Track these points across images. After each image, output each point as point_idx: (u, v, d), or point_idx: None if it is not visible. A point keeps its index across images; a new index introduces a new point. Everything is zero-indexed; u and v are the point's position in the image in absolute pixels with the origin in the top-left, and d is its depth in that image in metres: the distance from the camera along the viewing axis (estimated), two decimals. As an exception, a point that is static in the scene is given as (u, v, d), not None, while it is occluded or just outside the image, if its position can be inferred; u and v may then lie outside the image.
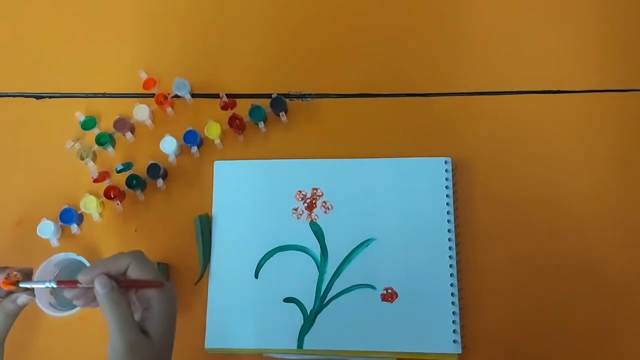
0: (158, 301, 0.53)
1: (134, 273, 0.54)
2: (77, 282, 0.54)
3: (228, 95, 0.82)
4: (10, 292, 0.56)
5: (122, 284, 0.54)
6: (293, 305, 0.75)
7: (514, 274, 0.76)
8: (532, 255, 0.76)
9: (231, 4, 0.87)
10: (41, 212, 0.79)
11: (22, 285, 0.55)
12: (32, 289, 0.57)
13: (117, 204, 0.80)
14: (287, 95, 0.83)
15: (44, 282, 0.55)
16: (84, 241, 0.80)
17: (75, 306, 0.69)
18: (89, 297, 0.55)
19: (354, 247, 0.77)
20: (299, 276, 0.76)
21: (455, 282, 0.75)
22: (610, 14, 0.85)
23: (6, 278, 0.55)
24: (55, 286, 0.54)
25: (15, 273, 0.55)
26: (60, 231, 0.80)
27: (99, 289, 0.52)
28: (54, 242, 0.79)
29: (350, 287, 0.76)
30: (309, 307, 0.75)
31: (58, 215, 0.79)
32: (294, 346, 0.74)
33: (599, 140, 0.81)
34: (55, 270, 0.76)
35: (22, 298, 0.56)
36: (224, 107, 0.81)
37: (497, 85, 0.83)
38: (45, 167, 0.82)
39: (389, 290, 0.75)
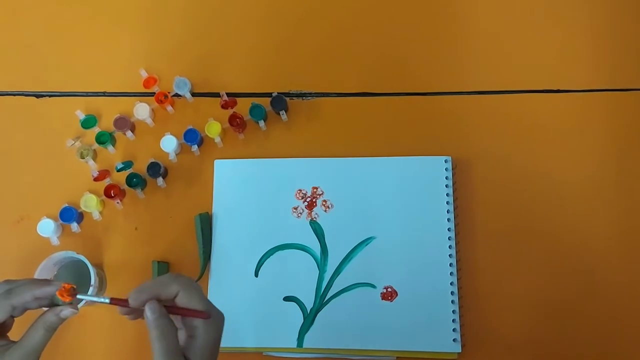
0: (204, 331, 0.53)
1: (182, 301, 0.54)
2: (127, 301, 0.54)
3: (228, 94, 0.82)
4: (52, 305, 0.56)
5: (169, 310, 0.54)
6: (293, 304, 0.76)
7: (513, 273, 0.76)
8: (532, 253, 0.77)
9: (231, 2, 0.87)
10: (41, 211, 0.79)
11: (79, 297, 0.55)
12: (75, 303, 0.57)
13: (118, 202, 0.80)
14: (287, 94, 0.83)
15: (99, 297, 0.55)
16: (84, 240, 0.80)
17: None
18: (139, 313, 0.55)
19: (354, 245, 0.77)
20: (299, 275, 0.76)
21: (455, 281, 0.75)
22: (609, 16, 0.85)
23: (64, 290, 0.55)
24: (109, 302, 0.55)
25: (71, 286, 0.55)
26: (61, 229, 0.80)
27: (149, 314, 0.53)
28: (54, 241, 0.79)
29: (350, 285, 0.76)
30: (309, 305, 0.75)
31: (58, 213, 0.79)
32: (294, 345, 0.74)
33: (599, 139, 0.81)
34: (55, 269, 0.76)
35: (65, 311, 0.55)
36: (225, 106, 0.81)
37: (497, 84, 0.83)
38: (45, 165, 0.82)
39: (389, 289, 0.75)
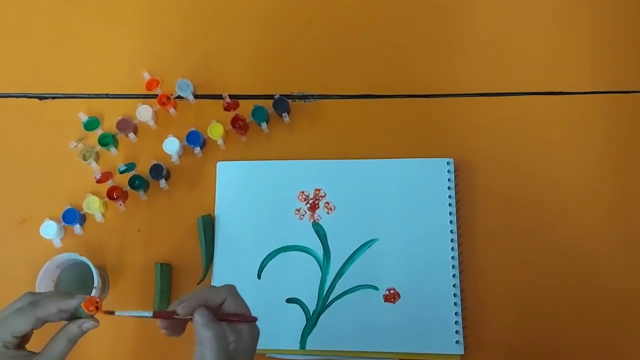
0: (248, 334, 0.56)
1: (229, 307, 0.56)
2: (172, 313, 0.55)
3: (231, 96, 0.82)
4: (76, 317, 0.57)
5: (217, 317, 0.55)
6: (296, 306, 0.76)
7: (516, 275, 0.76)
8: (534, 255, 0.77)
9: (234, 4, 0.88)
10: (44, 213, 0.79)
11: (118, 314, 0.56)
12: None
13: (120, 204, 0.80)
14: (289, 96, 0.83)
15: (142, 312, 0.56)
16: (86, 241, 0.80)
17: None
18: (178, 328, 0.57)
19: (357, 247, 0.77)
20: (301, 277, 0.76)
21: (458, 283, 0.75)
22: (610, 18, 0.85)
23: (97, 307, 0.56)
24: (151, 316, 0.56)
25: (96, 299, 0.56)
26: (63, 231, 0.80)
27: (199, 319, 0.54)
28: (57, 243, 0.79)
29: (353, 287, 0.76)
30: (311, 307, 0.75)
31: (61, 215, 0.79)
32: (297, 347, 0.74)
33: (600, 141, 0.81)
34: (57, 271, 0.76)
35: (87, 324, 0.56)
36: (227, 108, 0.81)
37: (499, 86, 0.83)
38: (48, 167, 0.82)
39: (392, 291, 0.75)
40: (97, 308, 0.56)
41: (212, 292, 0.56)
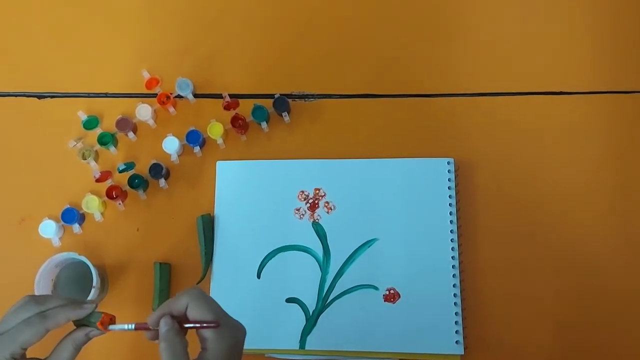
0: (213, 342, 0.54)
1: (192, 313, 0.55)
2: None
3: (231, 95, 0.82)
4: (82, 325, 0.57)
5: (183, 324, 0.55)
6: (295, 306, 0.75)
7: (516, 275, 0.76)
8: (535, 255, 0.77)
9: (234, 3, 0.88)
10: (43, 212, 0.79)
11: (110, 328, 0.57)
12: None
13: (119, 203, 0.80)
14: (289, 96, 0.83)
15: (126, 325, 0.57)
16: (85, 241, 0.80)
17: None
18: None
19: (357, 247, 0.77)
20: (301, 276, 0.76)
21: (458, 283, 0.75)
22: (610, 18, 0.85)
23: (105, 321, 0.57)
24: (134, 329, 0.56)
25: (111, 316, 0.57)
26: (62, 231, 0.79)
27: (161, 328, 0.54)
28: (56, 242, 0.79)
29: (353, 287, 0.76)
30: (311, 307, 0.75)
31: (60, 214, 0.79)
32: (296, 346, 0.74)
33: (600, 141, 0.81)
34: (56, 270, 0.76)
35: (95, 332, 0.57)
36: (227, 107, 0.81)
37: (499, 86, 0.83)
38: (47, 166, 0.82)
39: (392, 291, 0.75)
40: (109, 327, 0.57)
41: (174, 299, 0.55)
